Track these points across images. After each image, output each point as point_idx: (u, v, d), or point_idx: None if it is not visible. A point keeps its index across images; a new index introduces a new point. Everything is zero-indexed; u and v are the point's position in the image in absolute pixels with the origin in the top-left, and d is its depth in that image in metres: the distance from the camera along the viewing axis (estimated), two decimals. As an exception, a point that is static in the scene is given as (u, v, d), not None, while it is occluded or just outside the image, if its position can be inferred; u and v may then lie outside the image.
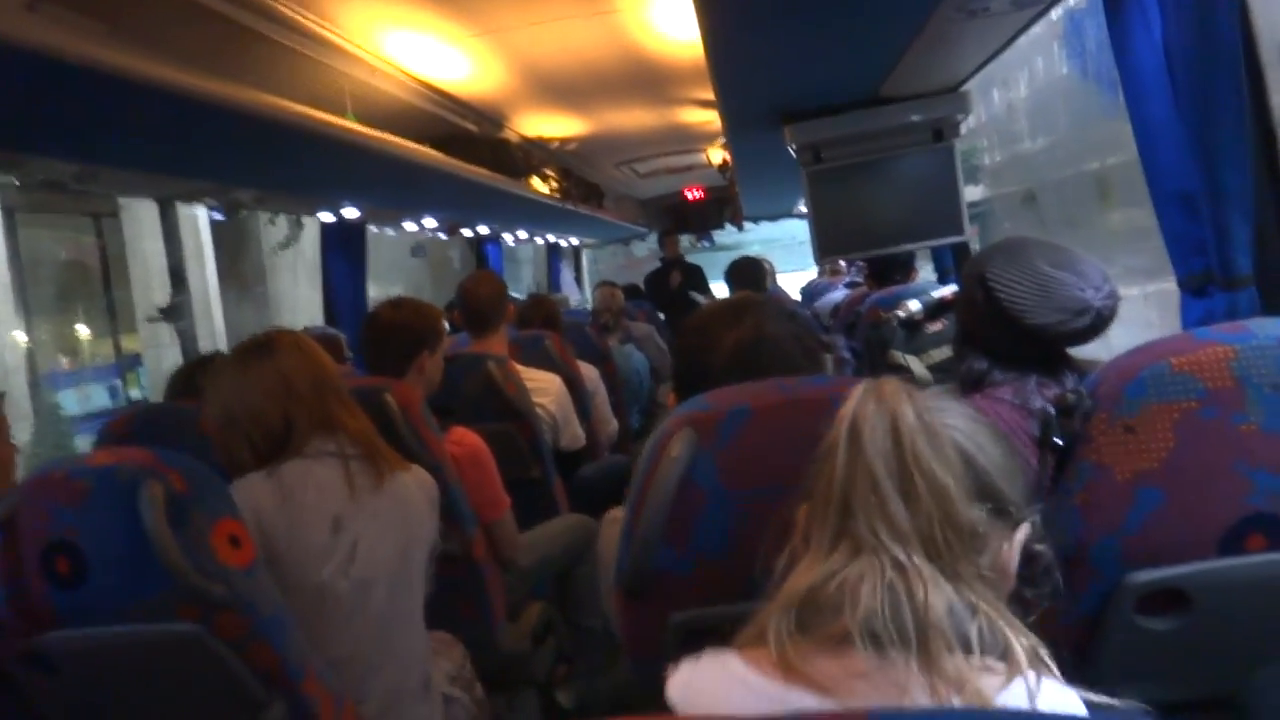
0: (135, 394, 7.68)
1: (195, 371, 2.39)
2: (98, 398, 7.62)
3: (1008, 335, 1.46)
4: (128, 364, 7.87)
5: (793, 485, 1.08)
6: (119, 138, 1.92)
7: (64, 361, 7.67)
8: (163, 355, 6.81)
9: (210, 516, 1.31)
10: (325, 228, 3.75)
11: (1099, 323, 1.43)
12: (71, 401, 7.25)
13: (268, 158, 2.37)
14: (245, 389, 1.60)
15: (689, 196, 6.93)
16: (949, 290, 2.70)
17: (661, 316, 6.10)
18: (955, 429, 0.78)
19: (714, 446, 1.09)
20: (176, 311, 3.97)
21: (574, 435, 3.06)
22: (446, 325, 4.11)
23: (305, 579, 1.53)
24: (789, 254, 9.49)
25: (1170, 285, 1.75)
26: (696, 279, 6.55)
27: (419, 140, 2.82)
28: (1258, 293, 1.49)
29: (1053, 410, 1.17)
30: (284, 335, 1.69)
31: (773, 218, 7.28)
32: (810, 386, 1.13)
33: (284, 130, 2.02)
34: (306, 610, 1.50)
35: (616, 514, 1.36)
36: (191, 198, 2.92)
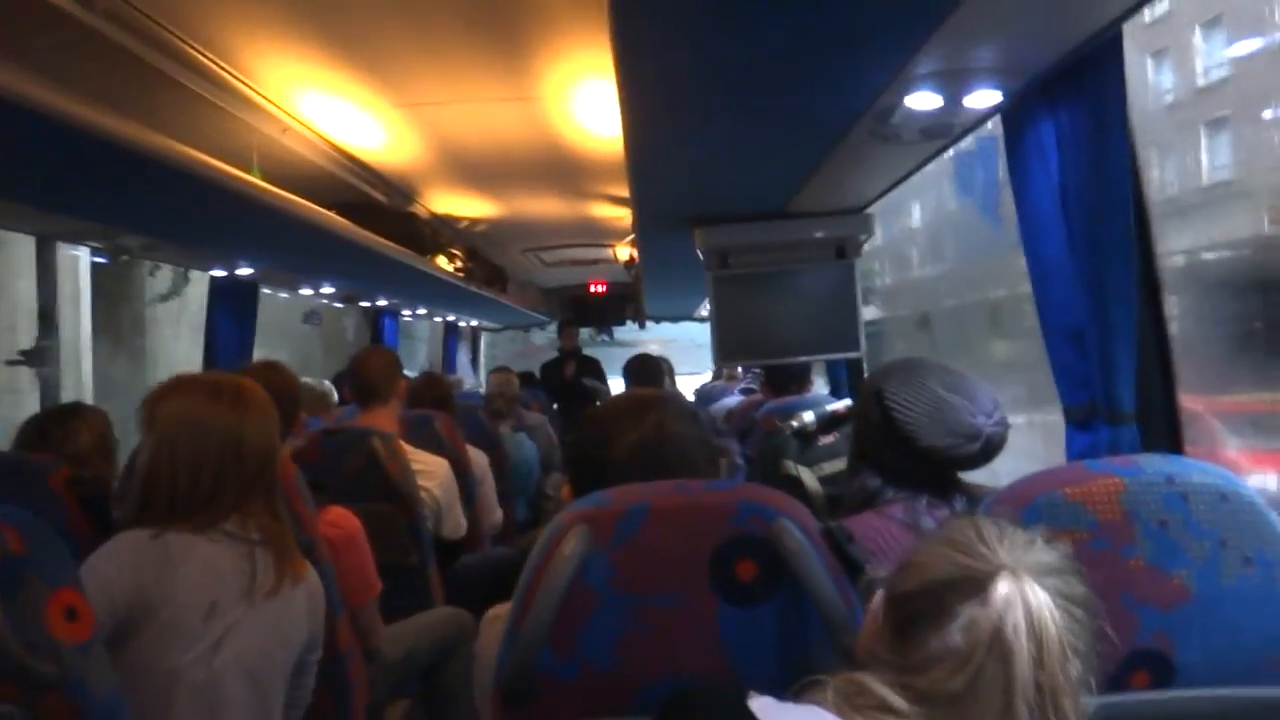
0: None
1: (51, 422, 2.22)
2: (-62, 443, 7.04)
3: (900, 454, 1.48)
4: (-28, 408, 7.32)
5: (687, 595, 1.04)
6: (7, 168, 1.80)
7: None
8: (19, 401, 6.36)
9: (47, 584, 1.17)
10: (214, 284, 3.59)
11: (989, 448, 1.46)
12: (-96, 444, 6.68)
13: (164, 204, 2.26)
14: (201, 431, 1.49)
15: (592, 289, 6.98)
16: (843, 404, 2.74)
17: (555, 407, 6.04)
18: (1081, 640, 0.77)
19: (609, 546, 1.05)
20: (41, 356, 3.72)
21: (456, 523, 2.95)
22: (335, 397, 3.98)
23: (159, 661, 1.39)
24: (686, 355, 9.60)
25: (1052, 416, 1.81)
26: (593, 371, 6.54)
27: (325, 205, 2.75)
28: (1139, 428, 1.55)
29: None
30: (258, 389, 1.60)
31: (674, 319, 7.38)
32: (712, 491, 1.10)
33: (184, 177, 1.93)
34: (148, 697, 1.36)
35: (499, 611, 1.28)
36: (77, 238, 2.77)
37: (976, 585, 0.76)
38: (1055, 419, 1.82)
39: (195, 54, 1.98)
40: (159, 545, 1.43)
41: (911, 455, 1.46)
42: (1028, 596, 0.75)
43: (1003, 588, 0.75)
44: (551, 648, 1.04)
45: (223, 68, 2.09)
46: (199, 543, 1.46)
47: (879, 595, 0.88)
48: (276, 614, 1.52)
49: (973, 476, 1.56)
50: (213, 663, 1.43)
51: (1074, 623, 0.77)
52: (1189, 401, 1.73)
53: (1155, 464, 1.06)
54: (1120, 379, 1.54)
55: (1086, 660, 0.77)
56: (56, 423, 2.19)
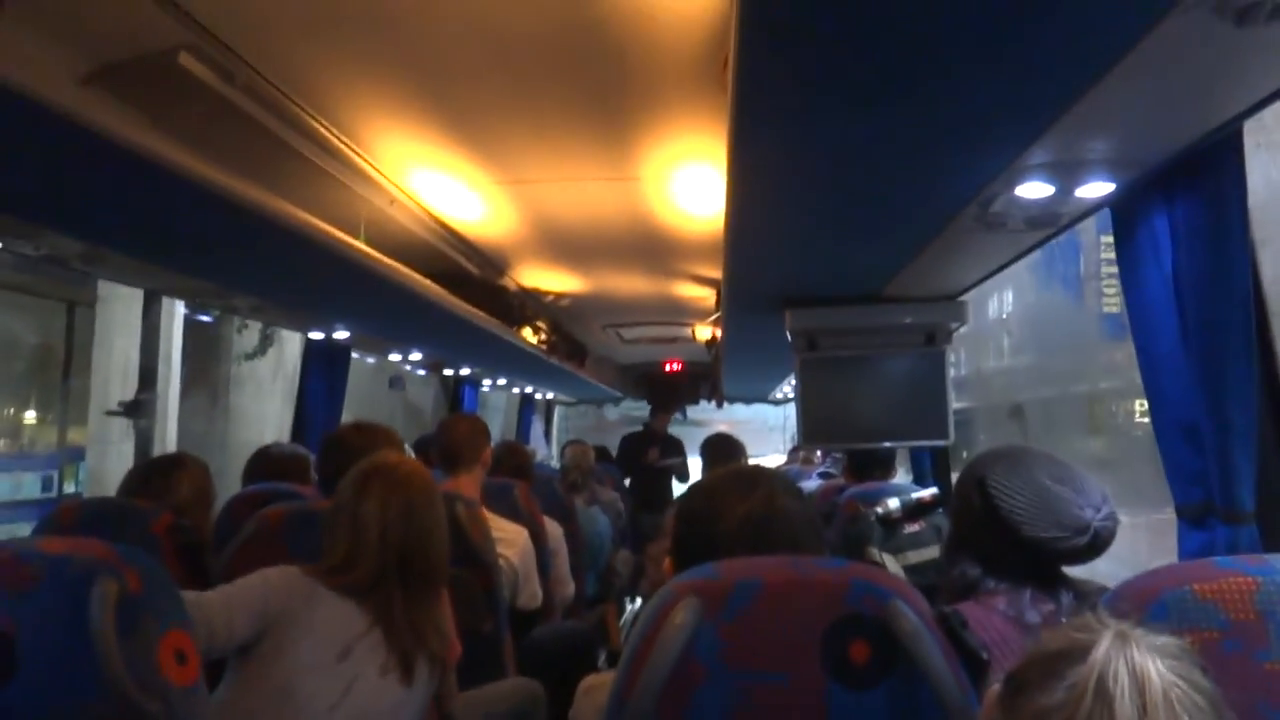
0: (70, 488, 7.37)
1: (155, 472, 2.30)
2: (30, 487, 7.32)
3: (1003, 544, 1.44)
4: (68, 456, 7.60)
5: (797, 674, 1.03)
6: (138, 224, 1.91)
7: (1, 444, 7.40)
8: (108, 452, 6.59)
9: (160, 626, 1.21)
10: (309, 346, 3.71)
11: (1097, 543, 1.41)
12: (3, 487, 6.95)
13: (277, 266, 2.37)
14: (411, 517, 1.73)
15: (668, 368, 7.01)
16: (929, 492, 2.69)
17: (626, 483, 6.03)
18: (1191, 707, 0.73)
19: (719, 619, 1.04)
20: (140, 408, 3.86)
21: (533, 593, 2.95)
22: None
23: (290, 687, 1.51)
24: (756, 437, 9.55)
25: (1151, 516, 1.75)
26: (676, 450, 6.55)
27: (422, 274, 2.84)
28: (1259, 529, 1.49)
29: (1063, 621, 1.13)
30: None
31: (748, 401, 7.35)
32: (825, 569, 1.09)
33: (298, 241, 2.03)
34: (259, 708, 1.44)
35: (595, 681, 1.28)
36: (189, 295, 2.90)
37: (1084, 650, 0.74)
38: (1154, 519, 1.76)
39: (318, 127, 2.08)
40: (308, 582, 1.58)
41: (1015, 546, 1.42)
42: (1133, 654, 0.73)
43: (1105, 642, 0.74)
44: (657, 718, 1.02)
45: (342, 141, 2.20)
46: (338, 598, 1.60)
47: (995, 686, 0.86)
48: (397, 698, 1.61)
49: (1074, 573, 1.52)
50: (340, 704, 1.49)
51: (1192, 699, 0.74)
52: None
53: (1290, 564, 1.02)
54: (1239, 477, 1.49)
55: None
56: (161, 472, 2.27)
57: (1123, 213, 1.68)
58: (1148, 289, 1.62)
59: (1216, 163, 1.48)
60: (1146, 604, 1.00)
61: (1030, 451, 1.49)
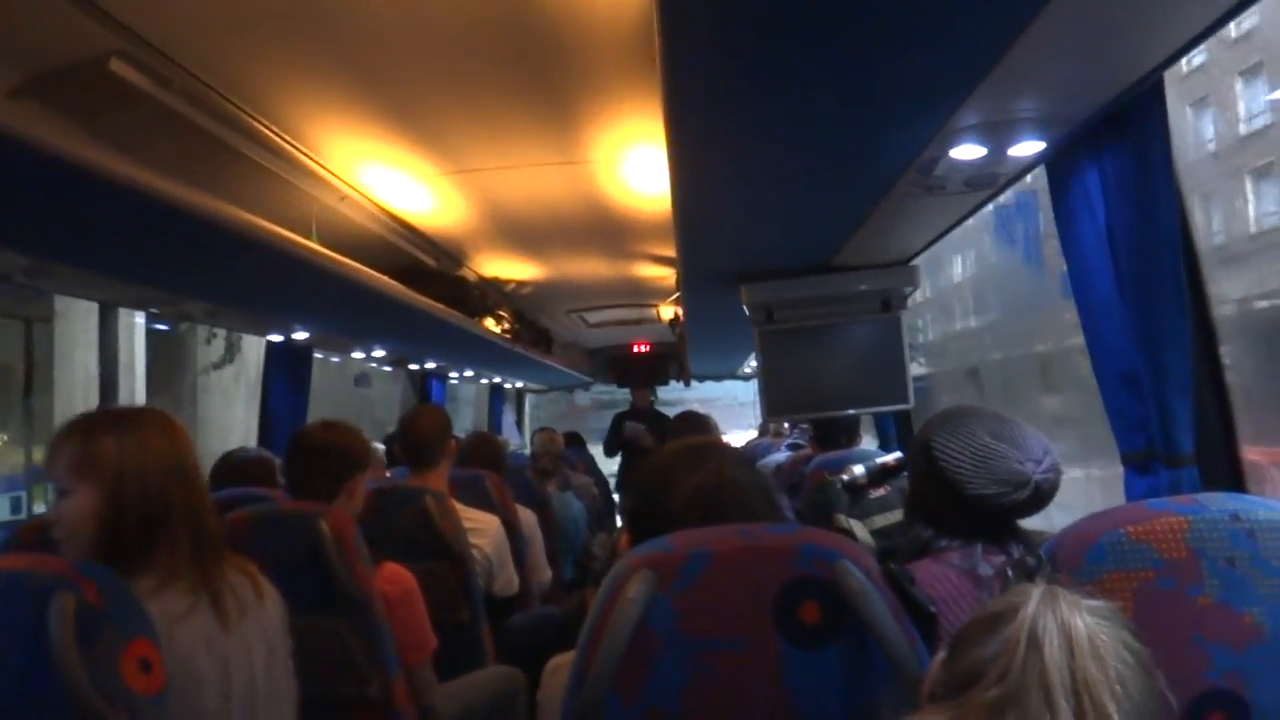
0: (41, 508, 7.29)
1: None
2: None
3: (950, 503, 1.47)
4: (36, 476, 7.51)
5: (751, 638, 1.05)
6: (81, 235, 1.89)
7: (-33, 468, 7.30)
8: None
9: (123, 636, 1.21)
10: (271, 349, 3.69)
11: (1039, 496, 1.45)
12: (-28, 510, 6.86)
13: (228, 270, 2.35)
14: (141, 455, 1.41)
15: (636, 349, 7.02)
16: (892, 457, 2.73)
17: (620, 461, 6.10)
18: (1118, 659, 0.78)
19: (673, 589, 1.06)
20: (102, 423, 3.82)
21: (508, 581, 2.97)
22: (384, 458, 4.04)
23: (197, 704, 1.37)
24: (729, 414, 9.60)
25: (1108, 470, 1.79)
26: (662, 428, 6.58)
27: (378, 270, 2.83)
28: (1199, 471, 1.54)
29: (1010, 574, 1.17)
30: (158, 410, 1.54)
31: (717, 378, 7.39)
32: (774, 534, 1.12)
33: (248, 244, 2.01)
34: None
35: (559, 661, 1.30)
36: (142, 305, 2.87)
37: (1015, 608, 0.80)
38: (1111, 473, 1.80)
39: (259, 127, 2.07)
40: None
41: (961, 504, 1.46)
42: (1060, 608, 0.78)
43: (1034, 600, 0.79)
44: (617, 691, 1.05)
45: (286, 140, 2.18)
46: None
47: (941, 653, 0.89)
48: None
49: (1030, 524, 1.56)
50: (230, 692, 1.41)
51: (1117, 650, 0.78)
52: (1247, 452, 1.71)
53: (1219, 501, 1.06)
54: (1177, 422, 1.53)
55: (1143, 707, 0.77)
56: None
57: (1056, 170, 1.71)
58: (1083, 243, 1.66)
59: (1141, 116, 1.52)
60: (1084, 548, 1.04)
61: (972, 411, 1.52)
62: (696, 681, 1.05)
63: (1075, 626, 0.76)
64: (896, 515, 2.71)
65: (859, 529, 2.65)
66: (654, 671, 1.05)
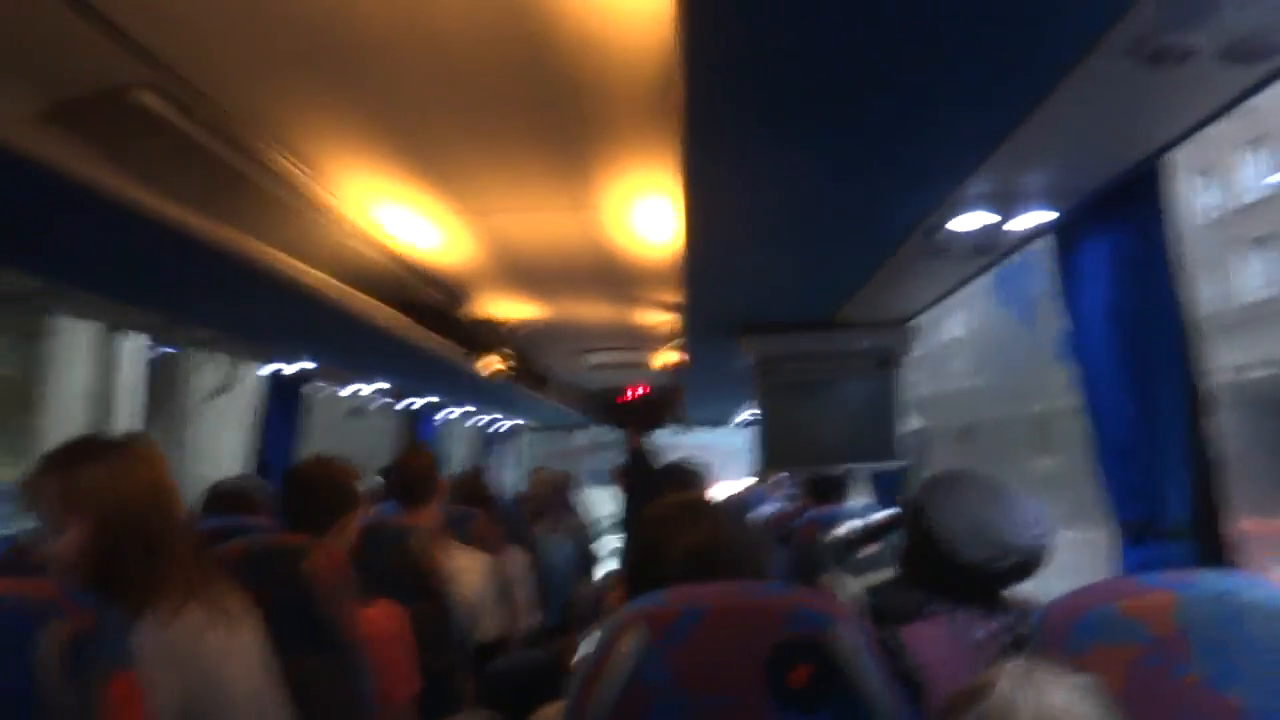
0: (29, 523, 7.22)
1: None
2: (-22, 526, 7.16)
3: (942, 567, 1.48)
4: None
5: (742, 697, 1.05)
6: (97, 260, 1.91)
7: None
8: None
9: (109, 666, 1.20)
10: (268, 378, 3.69)
11: (1029, 563, 1.46)
12: (-46, 528, 6.79)
13: (239, 298, 2.37)
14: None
15: (632, 393, 7.03)
16: (886, 514, 2.73)
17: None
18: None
19: (666, 645, 1.06)
20: (96, 443, 3.80)
21: (490, 624, 2.94)
22: (380, 491, 4.02)
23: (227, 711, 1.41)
24: (725, 460, 9.56)
25: (1101, 533, 1.79)
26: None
27: (385, 304, 2.85)
28: (1196, 544, 1.54)
29: (1005, 642, 1.17)
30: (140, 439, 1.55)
31: (714, 424, 7.39)
32: (768, 594, 1.12)
33: (259, 273, 2.03)
34: None
35: (548, 713, 1.29)
36: (148, 329, 2.88)
37: (993, 682, 0.82)
38: (1100, 535, 1.80)
39: (278, 161, 2.09)
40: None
41: (952, 569, 1.46)
42: (1036, 682, 0.80)
43: (1011, 675, 0.81)
44: (608, 745, 1.04)
45: (303, 174, 2.21)
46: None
47: None
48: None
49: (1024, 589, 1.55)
50: None
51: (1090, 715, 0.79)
52: (1241, 522, 1.72)
53: (1210, 580, 1.06)
54: (1173, 494, 1.54)
55: None
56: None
57: (1062, 240, 1.74)
58: (1085, 313, 1.68)
59: (1147, 189, 1.55)
60: (1073, 620, 1.04)
61: (966, 476, 1.53)
62: (687, 738, 1.04)
63: (1052, 702, 0.77)
64: (886, 573, 2.70)
65: (852, 584, 2.64)
66: (645, 726, 1.04)
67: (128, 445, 1.48)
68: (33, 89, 1.51)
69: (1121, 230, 1.60)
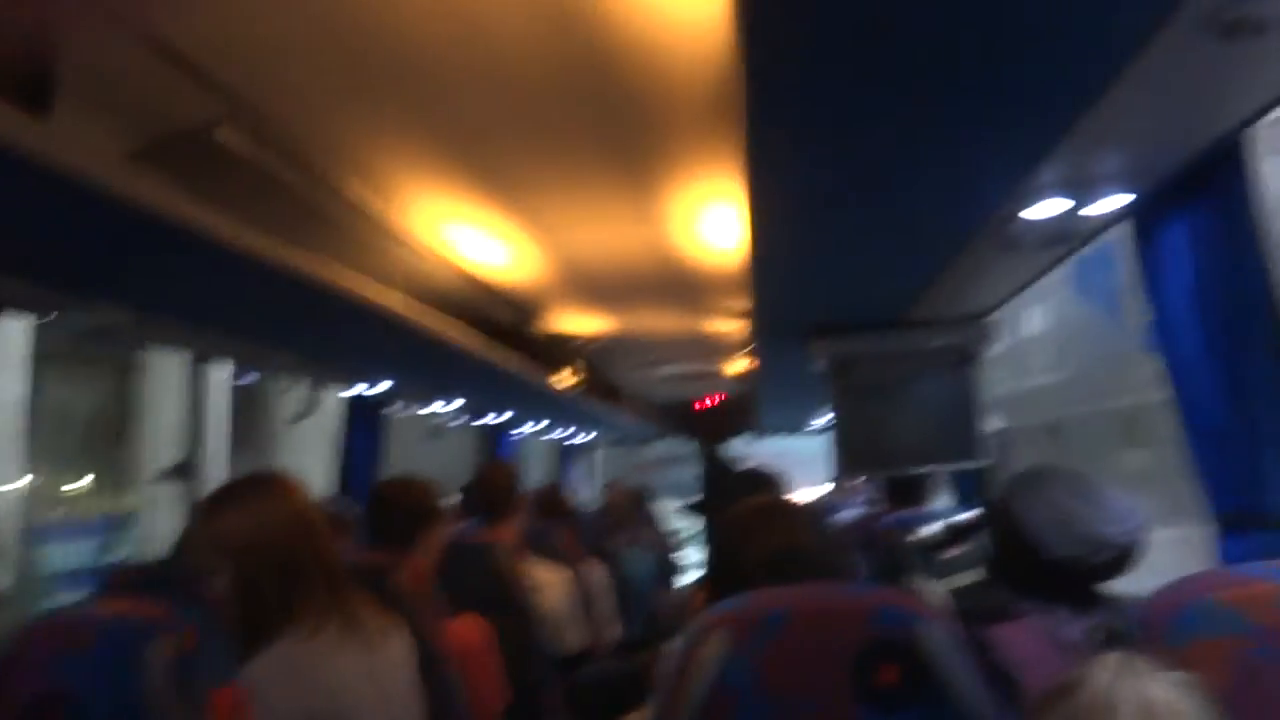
0: (123, 553, 7.50)
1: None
2: (83, 555, 7.45)
3: (1030, 565, 1.44)
4: (117, 523, 7.74)
5: (829, 699, 1.04)
6: (184, 292, 1.99)
7: (58, 514, 7.56)
8: (158, 517, 6.71)
9: (216, 681, 1.25)
10: (349, 402, 3.79)
11: (1122, 559, 1.41)
12: (57, 556, 7.09)
13: (320, 324, 2.44)
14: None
15: (705, 403, 7.02)
16: (968, 515, 2.68)
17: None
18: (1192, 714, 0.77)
19: (749, 649, 1.06)
20: (188, 471, 3.94)
21: (576, 636, 2.96)
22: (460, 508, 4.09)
23: None
24: (801, 467, 9.47)
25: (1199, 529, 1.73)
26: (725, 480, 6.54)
27: (458, 323, 2.91)
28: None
29: (1098, 640, 1.14)
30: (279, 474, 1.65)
31: (788, 431, 7.33)
32: (851, 595, 1.11)
33: (339, 299, 2.09)
34: None
35: (634, 719, 1.30)
36: (234, 357, 2.98)
37: (1090, 676, 0.79)
38: (1197, 533, 1.74)
39: (353, 189, 2.16)
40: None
41: (1041, 566, 1.42)
42: (1136, 676, 0.77)
43: (1110, 669, 0.78)
44: (696, 749, 1.04)
45: (377, 200, 2.27)
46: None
47: None
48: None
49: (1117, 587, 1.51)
50: None
51: (1195, 712, 0.76)
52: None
53: (1316, 566, 1.02)
54: (1270, 482, 1.48)
55: None
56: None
57: (1141, 224, 1.69)
58: (1170, 299, 1.63)
59: (1227, 170, 1.50)
60: (1172, 614, 1.01)
61: (1053, 471, 1.49)
62: (775, 741, 1.04)
63: (1153, 696, 0.75)
64: (973, 575, 2.65)
65: (935, 588, 2.59)
66: (732, 730, 1.04)
67: (266, 483, 1.58)
68: (119, 129, 1.59)
69: (1203, 211, 1.55)
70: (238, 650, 1.42)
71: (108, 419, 7.77)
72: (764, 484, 4.04)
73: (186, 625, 1.24)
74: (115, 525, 7.68)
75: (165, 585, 1.97)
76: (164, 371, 6.84)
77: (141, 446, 7.20)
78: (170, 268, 1.78)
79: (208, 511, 1.52)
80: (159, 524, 6.28)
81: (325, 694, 1.37)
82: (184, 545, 2.17)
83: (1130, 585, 1.48)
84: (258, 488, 1.56)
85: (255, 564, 1.45)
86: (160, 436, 6.97)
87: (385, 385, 3.44)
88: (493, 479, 2.97)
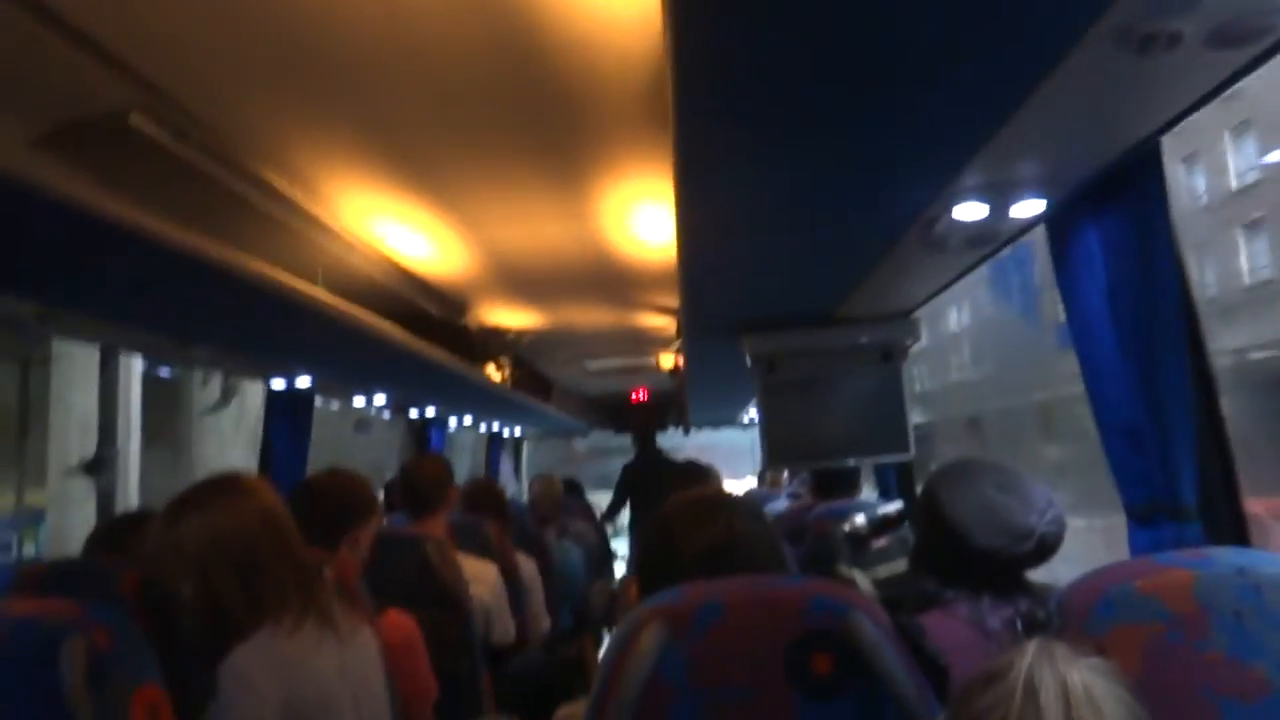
0: (30, 551, 7.23)
1: (122, 528, 2.28)
2: (-11, 553, 7.17)
3: (957, 555, 1.49)
4: (28, 519, 7.45)
5: (764, 690, 1.06)
6: (94, 283, 1.92)
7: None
8: (70, 513, 6.47)
9: (131, 681, 1.21)
10: (271, 395, 3.70)
11: (1043, 548, 1.46)
12: (-41, 555, 6.80)
13: (237, 316, 2.38)
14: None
15: (635, 397, 7.04)
16: (894, 507, 2.74)
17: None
18: (1115, 713, 0.80)
19: (684, 641, 1.07)
20: (100, 465, 3.81)
21: (506, 629, 2.95)
22: (383, 504, 4.03)
23: None
24: (726, 461, 9.57)
25: (1111, 520, 1.80)
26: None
27: (383, 317, 2.86)
28: (1202, 525, 1.55)
29: (1019, 627, 1.18)
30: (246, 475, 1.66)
31: (716, 425, 7.40)
32: (784, 586, 1.13)
33: (257, 291, 2.04)
34: None
35: (569, 712, 1.30)
36: (145, 349, 2.88)
37: (1014, 662, 0.82)
38: (1112, 522, 1.81)
39: (274, 180, 2.10)
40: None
41: (967, 556, 1.47)
42: (1056, 662, 0.80)
43: (1030, 654, 0.81)
44: (630, 745, 1.05)
45: (299, 192, 2.22)
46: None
47: None
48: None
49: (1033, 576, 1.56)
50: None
51: (1113, 692, 0.80)
52: (1246, 503, 1.73)
53: (1225, 556, 1.07)
54: (1181, 476, 1.55)
55: None
56: (128, 529, 2.25)
57: (1057, 228, 1.75)
58: (1084, 300, 1.69)
59: (1140, 177, 1.56)
60: (1092, 601, 1.05)
61: (977, 464, 1.54)
62: (709, 733, 1.05)
63: (1071, 679, 0.78)
64: (897, 566, 2.72)
65: (862, 579, 2.65)
66: (667, 722, 1.05)
67: (229, 484, 1.58)
68: (26, 114, 1.52)
69: (1116, 216, 1.61)
70: (203, 652, 1.40)
71: (12, 412, 7.46)
72: (699, 477, 4.09)
73: (98, 624, 1.20)
74: (22, 522, 7.39)
75: (76, 583, 1.90)
76: (73, 364, 6.58)
77: (50, 441, 6.92)
78: (79, 257, 1.72)
79: (171, 517, 1.51)
80: (69, 521, 6.06)
81: (310, 686, 1.39)
82: (148, 554, 2.11)
83: (1049, 574, 1.54)
84: (221, 489, 1.56)
85: (223, 565, 1.45)
86: (70, 431, 6.71)
87: (307, 380, 3.36)
88: (424, 472, 2.94)
